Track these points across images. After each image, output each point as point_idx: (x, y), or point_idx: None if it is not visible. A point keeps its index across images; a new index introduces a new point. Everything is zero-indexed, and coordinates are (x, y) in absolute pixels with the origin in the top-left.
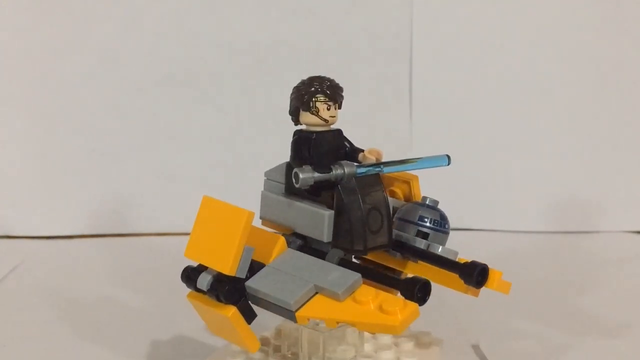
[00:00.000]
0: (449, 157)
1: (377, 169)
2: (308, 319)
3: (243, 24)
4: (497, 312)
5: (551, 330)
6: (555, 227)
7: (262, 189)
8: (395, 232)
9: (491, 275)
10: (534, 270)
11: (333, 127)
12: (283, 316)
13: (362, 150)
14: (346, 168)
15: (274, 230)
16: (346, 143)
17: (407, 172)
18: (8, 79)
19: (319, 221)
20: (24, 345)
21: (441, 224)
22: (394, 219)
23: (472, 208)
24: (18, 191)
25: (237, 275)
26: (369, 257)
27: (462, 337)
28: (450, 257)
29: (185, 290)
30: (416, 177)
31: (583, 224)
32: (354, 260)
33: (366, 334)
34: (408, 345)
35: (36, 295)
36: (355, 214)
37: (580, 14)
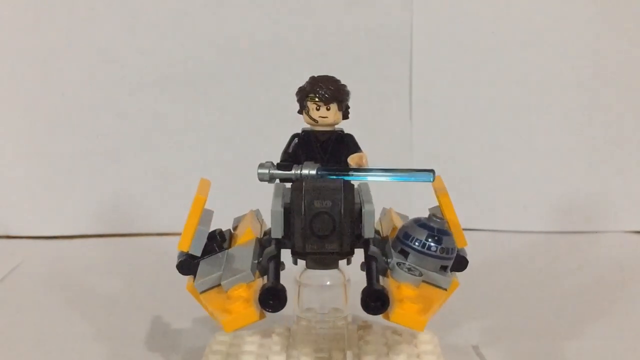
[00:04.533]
0: (433, 172)
1: (341, 175)
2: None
3: (243, 24)
4: (497, 313)
5: (551, 331)
6: (555, 227)
7: (271, 187)
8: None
9: (401, 308)
10: (534, 270)
11: (338, 127)
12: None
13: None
14: (304, 169)
15: None
16: (350, 145)
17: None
18: (8, 79)
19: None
20: (24, 345)
21: (425, 245)
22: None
23: (472, 208)
24: (18, 191)
25: (191, 253)
26: None
27: (462, 337)
28: (409, 281)
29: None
30: (444, 193)
31: (584, 224)
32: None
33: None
34: None
35: (36, 295)
36: (297, 214)
37: (581, 13)
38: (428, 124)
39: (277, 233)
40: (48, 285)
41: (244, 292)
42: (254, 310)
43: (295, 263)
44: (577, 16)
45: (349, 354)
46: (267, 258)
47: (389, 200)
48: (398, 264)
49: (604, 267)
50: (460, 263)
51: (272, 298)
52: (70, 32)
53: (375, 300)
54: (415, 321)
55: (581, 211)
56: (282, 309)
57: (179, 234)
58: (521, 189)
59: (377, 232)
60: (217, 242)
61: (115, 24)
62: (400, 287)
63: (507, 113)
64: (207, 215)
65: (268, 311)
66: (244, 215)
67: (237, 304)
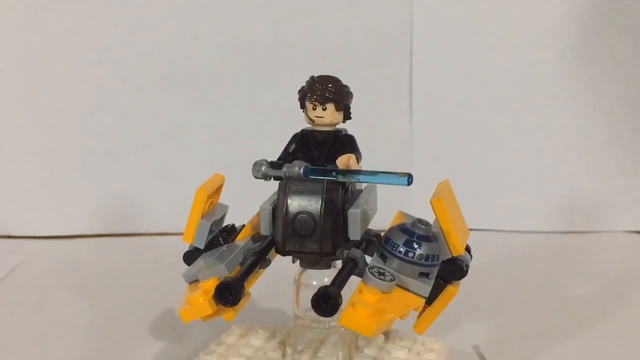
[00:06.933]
0: (410, 176)
1: (326, 176)
2: None
3: (243, 23)
4: (497, 312)
5: (551, 331)
6: (555, 227)
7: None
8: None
9: (350, 312)
10: (534, 270)
11: (340, 127)
12: None
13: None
14: (291, 168)
15: None
16: (346, 146)
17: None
18: (8, 79)
19: None
20: (23, 345)
21: (402, 250)
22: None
23: (472, 208)
24: (18, 191)
25: (195, 245)
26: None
27: (462, 337)
28: (375, 285)
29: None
30: (437, 200)
31: (583, 224)
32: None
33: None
34: None
35: (36, 295)
36: (280, 212)
37: (580, 12)
38: (428, 125)
39: (265, 230)
40: (48, 285)
41: (210, 285)
42: (207, 303)
43: (294, 262)
44: (577, 15)
45: (340, 355)
46: (250, 254)
47: (402, 204)
48: (371, 267)
49: (604, 267)
50: (456, 271)
51: (226, 292)
52: (70, 32)
53: (326, 302)
54: (363, 326)
55: (581, 211)
56: (235, 304)
57: (179, 234)
58: (521, 189)
59: (377, 234)
60: (224, 236)
61: (115, 24)
62: (362, 291)
63: (507, 113)
64: (219, 210)
65: (221, 304)
66: None
67: (196, 296)
